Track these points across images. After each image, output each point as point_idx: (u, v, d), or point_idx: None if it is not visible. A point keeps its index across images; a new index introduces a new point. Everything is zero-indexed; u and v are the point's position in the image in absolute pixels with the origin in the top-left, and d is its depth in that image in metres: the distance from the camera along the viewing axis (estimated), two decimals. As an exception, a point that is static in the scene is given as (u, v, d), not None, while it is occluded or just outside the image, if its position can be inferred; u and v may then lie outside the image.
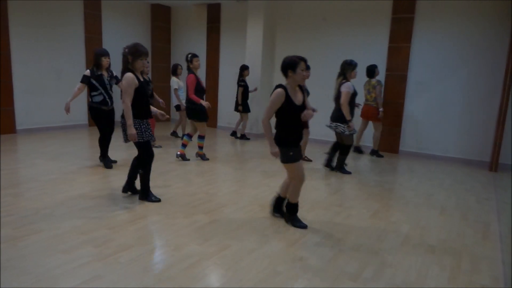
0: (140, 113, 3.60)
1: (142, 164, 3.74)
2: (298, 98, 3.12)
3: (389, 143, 7.12)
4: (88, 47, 8.12)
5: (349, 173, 5.37)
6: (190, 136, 5.63)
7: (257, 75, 8.01)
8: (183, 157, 5.64)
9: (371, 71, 6.45)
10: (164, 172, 4.99)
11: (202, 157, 5.79)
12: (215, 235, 3.10)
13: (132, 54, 3.48)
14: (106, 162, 5.06)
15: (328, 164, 5.51)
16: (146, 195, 3.81)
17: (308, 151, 6.43)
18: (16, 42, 6.93)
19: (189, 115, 5.45)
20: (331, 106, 7.57)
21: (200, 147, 5.76)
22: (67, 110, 4.84)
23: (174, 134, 7.71)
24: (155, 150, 5.79)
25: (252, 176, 5.07)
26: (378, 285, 2.45)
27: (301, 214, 3.67)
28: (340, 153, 5.35)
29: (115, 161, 5.19)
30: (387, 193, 4.61)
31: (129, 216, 3.38)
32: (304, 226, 3.31)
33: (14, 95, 7.04)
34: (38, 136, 7.03)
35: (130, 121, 3.49)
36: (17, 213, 3.33)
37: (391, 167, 6.09)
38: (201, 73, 8.81)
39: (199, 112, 5.36)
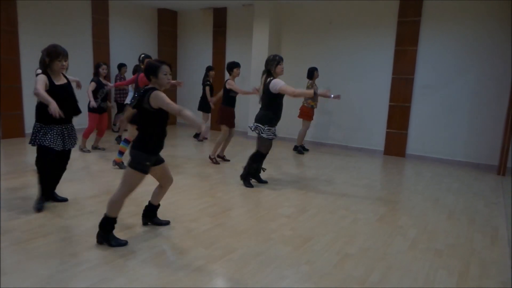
0: (43, 117, 3.33)
1: (39, 167, 3.48)
2: None
3: (396, 147, 7.09)
4: (95, 52, 8.21)
5: (252, 186, 4.59)
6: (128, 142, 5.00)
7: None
8: (120, 165, 5.18)
9: (310, 72, 6.73)
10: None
11: (121, 165, 5.19)
12: (221, 238, 3.11)
13: (49, 55, 3.26)
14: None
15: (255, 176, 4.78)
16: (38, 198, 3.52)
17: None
18: (25, 47, 7.01)
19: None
20: (335, 108, 7.62)
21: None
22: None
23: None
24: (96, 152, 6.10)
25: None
26: (385, 290, 2.44)
27: (307, 218, 3.67)
28: (251, 159, 4.58)
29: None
30: (394, 197, 4.59)
31: (135, 220, 3.40)
32: (124, 243, 2.87)
33: (23, 99, 7.13)
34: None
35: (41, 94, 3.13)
36: (26, 216, 3.37)
37: (397, 170, 6.06)
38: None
39: None
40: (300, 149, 6.99)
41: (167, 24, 9.70)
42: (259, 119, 4.44)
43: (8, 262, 2.57)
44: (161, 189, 3.20)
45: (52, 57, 3.26)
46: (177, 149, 6.89)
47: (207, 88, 7.41)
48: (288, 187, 4.74)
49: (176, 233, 3.18)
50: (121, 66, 8.19)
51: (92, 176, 4.86)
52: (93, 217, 3.42)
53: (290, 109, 7.11)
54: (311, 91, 4.26)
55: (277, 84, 4.24)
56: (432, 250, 3.07)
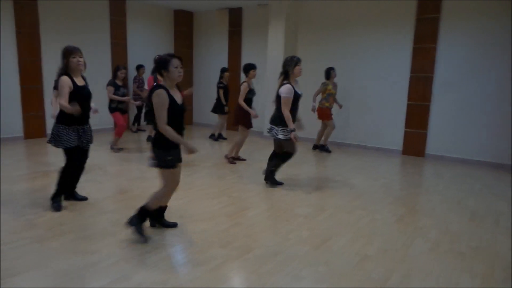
0: (65, 118, 3.39)
1: (65, 170, 3.54)
2: (178, 97, 2.87)
3: (414, 146, 6.95)
4: (114, 53, 8.35)
5: (281, 183, 4.66)
6: None
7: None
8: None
9: (327, 72, 6.77)
10: (186, 175, 5.04)
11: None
12: (238, 238, 3.11)
13: (64, 56, 3.36)
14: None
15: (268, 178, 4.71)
16: (54, 198, 3.58)
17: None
18: (46, 49, 7.20)
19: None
20: (353, 107, 7.53)
21: None
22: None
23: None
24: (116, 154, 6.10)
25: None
26: (406, 292, 2.39)
27: (325, 218, 3.64)
28: (279, 159, 4.57)
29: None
30: (413, 197, 4.50)
31: (154, 218, 3.43)
32: (143, 240, 2.93)
33: (45, 100, 7.31)
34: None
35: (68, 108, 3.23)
36: (48, 214, 3.44)
37: (417, 170, 5.94)
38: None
39: None
40: (327, 148, 7.00)
41: (183, 25, 9.78)
42: (273, 120, 4.43)
43: (30, 258, 2.64)
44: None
45: (67, 56, 3.36)
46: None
47: (221, 91, 7.39)
48: (305, 186, 4.71)
49: (193, 232, 3.19)
50: (139, 67, 8.31)
51: (111, 176, 4.93)
52: (112, 215, 3.47)
53: (308, 109, 7.05)
54: (291, 125, 4.22)
55: (282, 92, 4.22)
56: (454, 253, 2.99)
